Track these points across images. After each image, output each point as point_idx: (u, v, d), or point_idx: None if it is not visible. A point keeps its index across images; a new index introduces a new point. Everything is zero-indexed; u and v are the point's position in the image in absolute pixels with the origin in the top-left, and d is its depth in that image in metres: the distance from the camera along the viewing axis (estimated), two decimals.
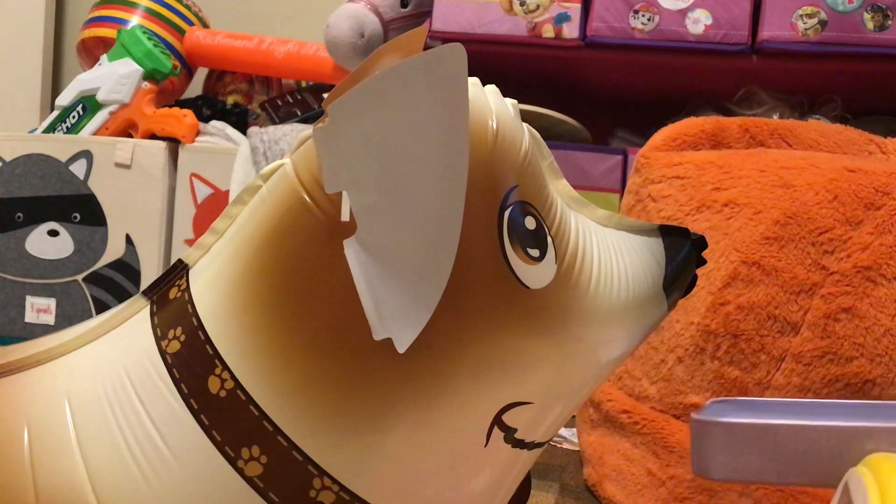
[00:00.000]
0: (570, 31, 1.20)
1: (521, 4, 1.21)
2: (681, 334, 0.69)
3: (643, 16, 1.17)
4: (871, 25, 1.10)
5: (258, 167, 1.30)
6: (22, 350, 0.44)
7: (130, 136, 1.39)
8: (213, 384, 0.39)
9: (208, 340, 0.39)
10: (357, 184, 0.36)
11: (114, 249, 1.34)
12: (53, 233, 1.35)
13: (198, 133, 1.38)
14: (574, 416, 0.85)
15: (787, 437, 0.45)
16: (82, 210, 1.34)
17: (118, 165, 1.34)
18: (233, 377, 0.39)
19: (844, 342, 0.64)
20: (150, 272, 1.34)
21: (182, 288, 0.42)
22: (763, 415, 0.46)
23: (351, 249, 0.37)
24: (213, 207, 1.33)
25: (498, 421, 0.41)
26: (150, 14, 1.57)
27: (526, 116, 0.45)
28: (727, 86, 1.24)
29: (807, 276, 0.65)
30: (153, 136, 1.37)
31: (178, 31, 1.58)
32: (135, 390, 0.40)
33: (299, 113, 1.52)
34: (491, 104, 0.41)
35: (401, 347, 0.37)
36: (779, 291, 0.66)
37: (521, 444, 0.43)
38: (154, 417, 0.39)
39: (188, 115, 1.36)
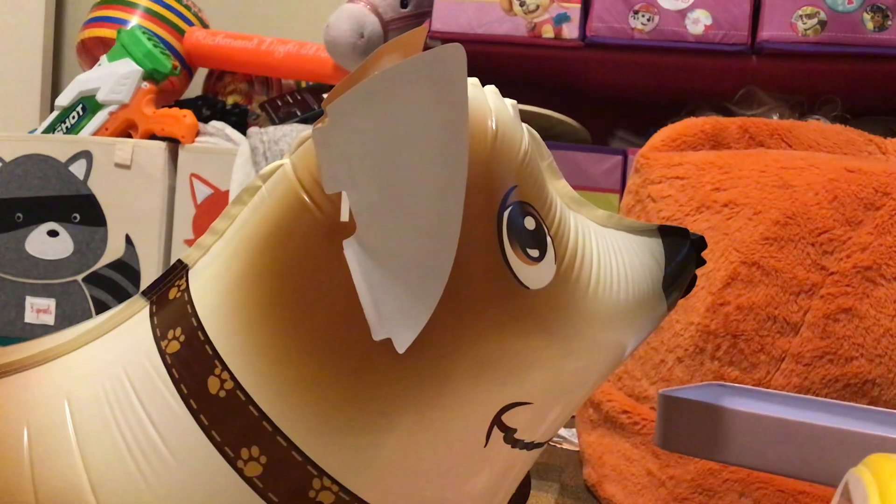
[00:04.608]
0: (570, 31, 1.20)
1: (521, 4, 1.21)
2: (680, 334, 0.69)
3: (643, 16, 1.17)
4: (870, 26, 1.10)
5: (258, 167, 1.30)
6: (22, 350, 0.44)
7: (130, 136, 1.40)
8: (213, 384, 0.39)
9: (208, 341, 0.39)
10: (356, 184, 0.36)
11: (113, 250, 1.34)
12: (53, 233, 1.35)
13: (197, 133, 1.38)
14: (574, 416, 0.85)
15: (763, 427, 0.46)
16: (82, 210, 1.34)
17: (118, 166, 1.34)
18: (232, 377, 0.39)
19: (844, 342, 0.64)
20: (149, 272, 1.34)
21: (182, 288, 0.42)
22: (756, 404, 0.47)
23: (350, 249, 0.37)
24: (212, 207, 1.33)
25: (497, 421, 0.41)
26: (150, 14, 1.57)
27: (526, 116, 0.45)
28: (727, 86, 1.24)
29: (806, 276, 0.65)
30: (153, 137, 1.37)
31: (177, 32, 1.59)
32: (134, 391, 0.40)
33: (299, 113, 1.52)
34: (490, 104, 0.41)
35: (400, 348, 0.37)
36: (778, 292, 0.66)
37: (520, 445, 0.43)
38: (154, 418, 0.39)
39: (188, 116, 1.36)
